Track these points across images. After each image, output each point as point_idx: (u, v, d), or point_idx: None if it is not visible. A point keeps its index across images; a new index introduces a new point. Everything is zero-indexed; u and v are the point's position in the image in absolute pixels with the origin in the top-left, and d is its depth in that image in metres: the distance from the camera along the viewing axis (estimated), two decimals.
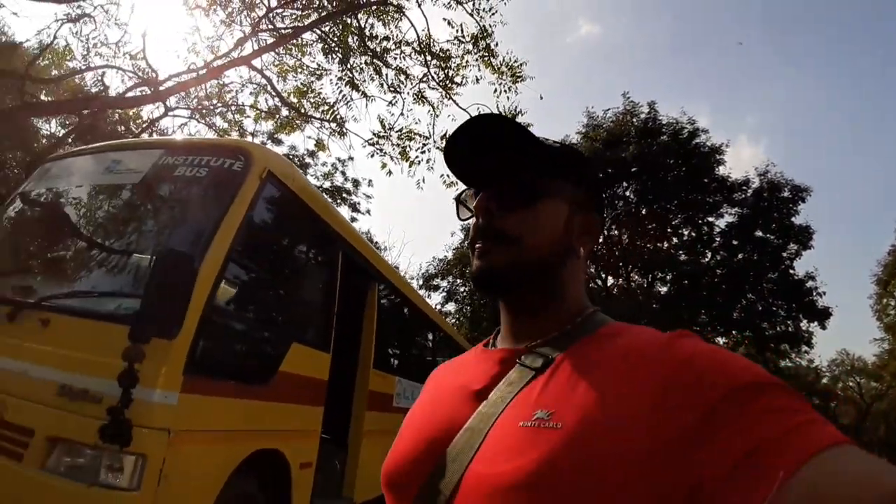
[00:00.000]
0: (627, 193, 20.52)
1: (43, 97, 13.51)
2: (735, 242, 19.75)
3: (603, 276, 22.02)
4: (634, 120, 20.17)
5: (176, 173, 3.29)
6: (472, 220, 0.85)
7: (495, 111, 11.77)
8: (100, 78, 13.28)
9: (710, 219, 20.30)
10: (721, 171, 19.73)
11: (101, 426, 2.31)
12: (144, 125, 14.34)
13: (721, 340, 21.08)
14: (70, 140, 12.97)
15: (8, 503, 2.61)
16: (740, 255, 19.74)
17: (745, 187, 19.78)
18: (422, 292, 12.59)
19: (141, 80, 12.16)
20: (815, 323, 19.19)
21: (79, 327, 2.75)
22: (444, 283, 24.92)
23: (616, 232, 21.27)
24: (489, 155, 0.82)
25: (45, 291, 3.03)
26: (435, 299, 24.16)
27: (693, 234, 20.58)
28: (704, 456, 0.54)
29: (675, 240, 20.95)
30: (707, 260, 20.36)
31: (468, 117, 0.82)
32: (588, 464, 0.59)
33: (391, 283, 6.04)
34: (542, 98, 14.09)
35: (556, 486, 0.59)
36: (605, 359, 0.69)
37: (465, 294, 24.05)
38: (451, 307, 24.80)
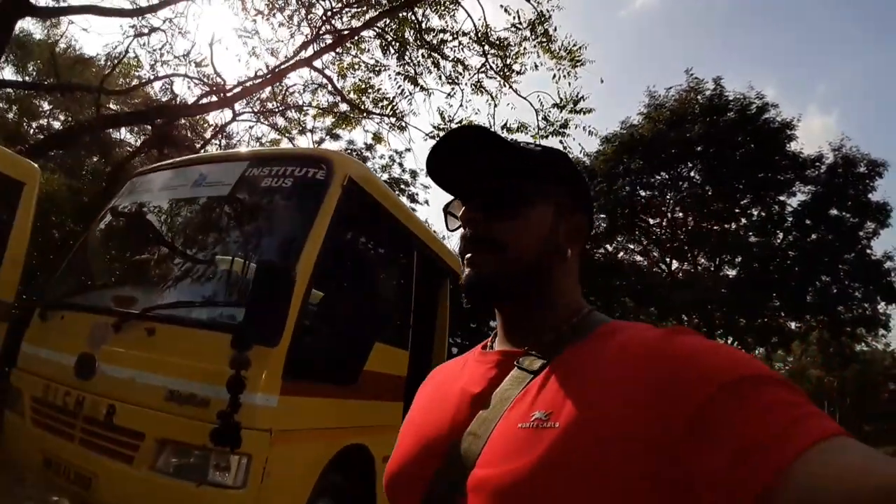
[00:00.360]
0: (692, 174, 19.84)
1: (112, 106, 14.17)
2: (808, 222, 18.80)
3: (668, 260, 21.43)
4: (699, 97, 19.34)
5: (262, 185, 3.43)
6: (460, 231, 0.86)
7: (556, 98, 11.67)
8: (168, 87, 13.81)
9: (782, 198, 19.34)
10: (792, 146, 18.73)
11: (212, 430, 2.44)
12: (214, 131, 14.89)
13: (794, 325, 20.32)
14: (145, 148, 13.58)
15: (121, 502, 2.79)
16: (814, 235, 18.79)
17: (818, 163, 18.75)
18: None
19: (209, 87, 12.62)
20: (894, 305, 18.21)
21: (182, 336, 2.91)
22: None
23: (681, 214, 20.64)
24: (472, 165, 0.85)
25: (146, 302, 3.20)
26: None
27: (763, 215, 19.65)
28: (700, 451, 0.55)
29: (743, 220, 20.08)
30: (778, 241, 19.48)
31: (454, 128, 0.84)
32: (585, 462, 0.60)
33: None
34: (602, 81, 13.77)
35: (553, 485, 0.61)
36: (601, 358, 0.70)
37: None
38: None
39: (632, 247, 22.06)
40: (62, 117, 17.67)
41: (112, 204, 4.31)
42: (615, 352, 0.70)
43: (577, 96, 11.58)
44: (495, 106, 12.49)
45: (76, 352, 3.13)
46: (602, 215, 20.18)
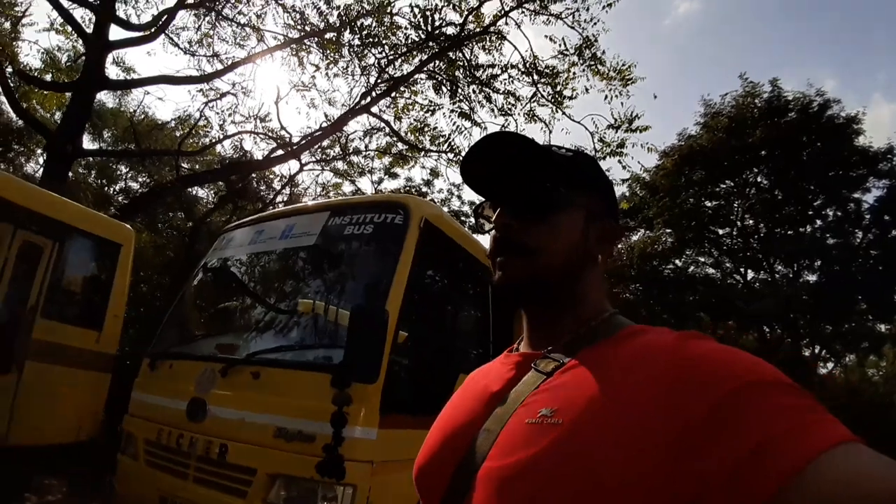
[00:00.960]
0: (759, 179, 19.21)
1: (184, 165, 15.08)
2: (887, 217, 17.77)
3: (742, 270, 20.61)
4: (757, 101, 18.74)
5: (345, 232, 3.65)
6: (492, 233, 0.87)
7: (610, 119, 11.69)
8: (238, 143, 14.58)
9: (856, 195, 18.41)
10: (861, 140, 17.86)
11: (318, 463, 2.64)
12: (282, 182, 15.60)
13: (883, 328, 19.20)
14: (223, 204, 14.36)
15: None
16: (895, 231, 17.86)
17: (889, 155, 17.80)
18: None
19: (276, 141, 13.29)
20: None
21: (285, 377, 3.13)
22: None
23: (751, 222, 19.91)
24: (505, 169, 0.86)
25: (248, 349, 3.47)
26: None
27: (839, 214, 18.73)
28: (709, 452, 0.55)
29: (818, 222, 19.16)
30: (858, 241, 18.54)
31: (490, 132, 0.86)
32: (584, 458, 0.62)
33: None
34: (655, 97, 13.85)
35: (552, 478, 0.63)
36: (614, 360, 0.72)
37: None
38: None
39: (702, 260, 21.32)
40: (140, 179, 18.82)
41: (205, 260, 4.64)
42: (629, 354, 0.71)
43: (631, 115, 11.54)
44: (550, 133, 12.56)
45: (187, 397, 3.37)
46: (667, 230, 19.76)
